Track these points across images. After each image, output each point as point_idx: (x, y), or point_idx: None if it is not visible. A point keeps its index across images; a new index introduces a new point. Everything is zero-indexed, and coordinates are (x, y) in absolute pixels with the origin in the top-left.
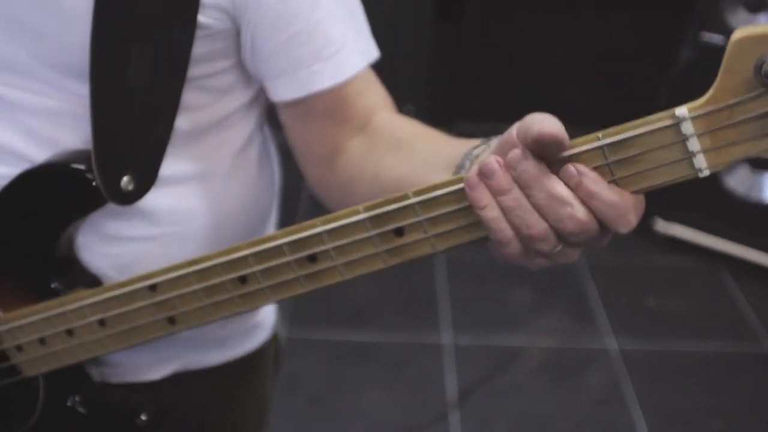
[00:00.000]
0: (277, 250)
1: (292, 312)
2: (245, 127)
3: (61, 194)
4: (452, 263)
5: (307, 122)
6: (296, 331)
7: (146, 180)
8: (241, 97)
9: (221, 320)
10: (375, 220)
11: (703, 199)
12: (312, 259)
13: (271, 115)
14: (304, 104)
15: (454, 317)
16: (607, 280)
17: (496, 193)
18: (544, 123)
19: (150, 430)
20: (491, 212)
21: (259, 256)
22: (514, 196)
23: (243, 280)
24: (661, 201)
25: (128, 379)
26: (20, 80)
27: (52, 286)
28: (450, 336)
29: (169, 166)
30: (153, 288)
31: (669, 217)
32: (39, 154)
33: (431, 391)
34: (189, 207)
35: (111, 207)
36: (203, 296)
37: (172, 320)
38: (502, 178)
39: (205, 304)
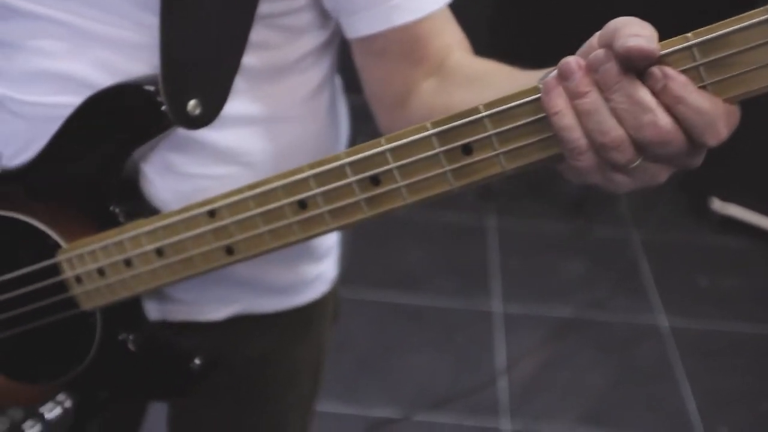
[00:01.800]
0: (339, 171)
1: (343, 273)
2: (317, 73)
3: (127, 117)
4: (504, 233)
5: (382, 61)
6: (347, 292)
7: (213, 106)
8: (314, 38)
9: (279, 250)
10: (442, 137)
11: (761, 181)
12: (375, 180)
13: (344, 76)
14: (380, 41)
15: (504, 286)
16: (660, 257)
17: (572, 96)
18: (632, 38)
19: (203, 374)
20: (565, 119)
21: (320, 178)
22: (592, 99)
23: (302, 204)
24: (719, 181)
25: (188, 318)
26: (94, 11)
27: (115, 213)
28: (500, 304)
29: (239, 106)
30: (212, 214)
31: (726, 197)
32: (105, 82)
33: (479, 357)
34: (254, 149)
35: (178, 139)
36: (261, 222)
37: (229, 250)
38: (582, 79)
39: (262, 231)
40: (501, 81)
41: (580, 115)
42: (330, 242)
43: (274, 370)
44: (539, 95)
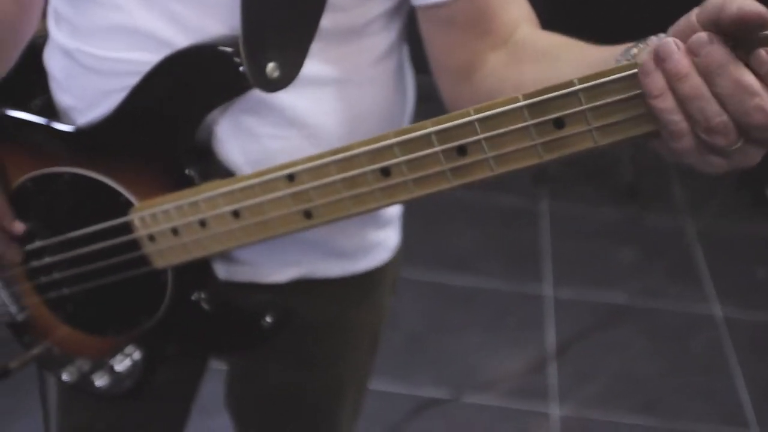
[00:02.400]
0: (425, 140)
1: None
2: (385, 37)
3: (205, 78)
4: (556, 217)
5: (448, 31)
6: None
7: (291, 69)
8: (384, 2)
9: (359, 215)
10: (534, 109)
11: None
12: (461, 150)
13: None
14: (447, 10)
15: (555, 270)
16: (715, 247)
17: (672, 79)
18: (746, 3)
19: (273, 332)
20: (665, 102)
21: (405, 146)
22: (693, 83)
23: (386, 172)
24: None
25: (252, 279)
26: None
27: (188, 174)
28: (550, 288)
29: (311, 67)
30: (291, 178)
31: None
32: (183, 42)
33: (529, 341)
34: (325, 110)
35: (251, 101)
36: (342, 188)
37: (308, 214)
38: (681, 61)
39: (343, 196)
40: (573, 56)
41: (681, 99)
42: (394, 210)
43: (333, 335)
44: (636, 71)
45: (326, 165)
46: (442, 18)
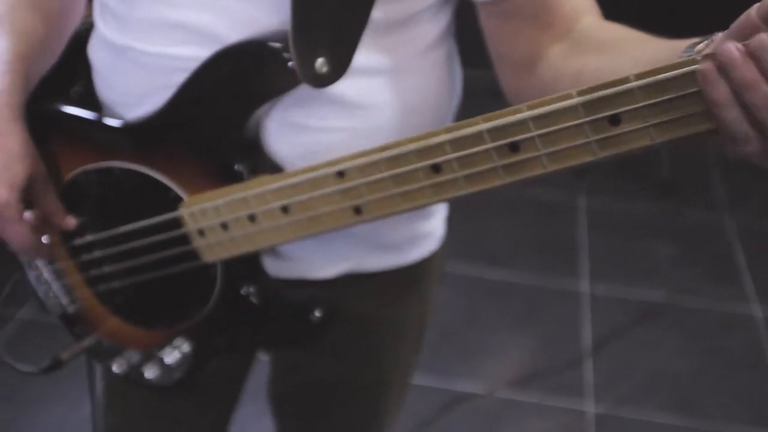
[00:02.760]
0: (477, 137)
1: None
2: (434, 27)
3: (255, 73)
4: (593, 212)
5: (509, 24)
6: None
7: (340, 64)
8: None
9: (408, 212)
10: (589, 106)
11: None
12: (514, 147)
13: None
14: (508, 3)
15: (591, 266)
16: (755, 244)
17: (737, 87)
18: None
19: (322, 327)
20: (730, 112)
21: (457, 143)
22: (762, 93)
23: (436, 168)
24: None
25: (300, 275)
26: None
27: (237, 169)
28: (587, 284)
29: (360, 57)
30: (341, 174)
31: None
32: (233, 37)
33: (565, 337)
34: (376, 101)
35: (301, 94)
36: (392, 185)
37: (357, 210)
38: (745, 69)
39: (393, 193)
40: (636, 49)
41: (746, 107)
42: None
43: (380, 328)
44: (695, 67)
45: (376, 161)
46: (503, 12)
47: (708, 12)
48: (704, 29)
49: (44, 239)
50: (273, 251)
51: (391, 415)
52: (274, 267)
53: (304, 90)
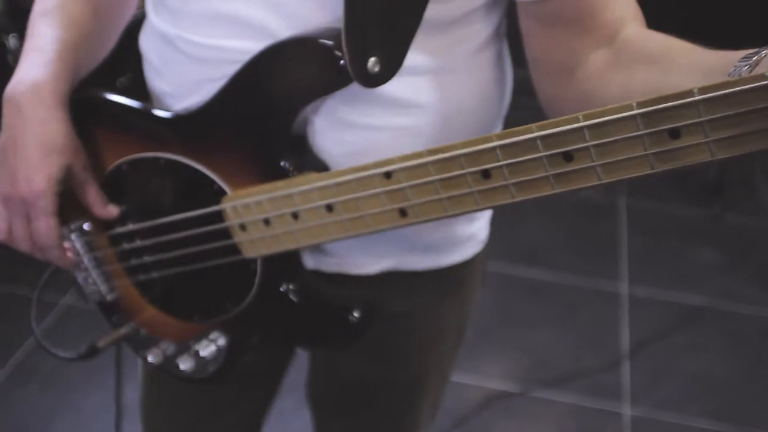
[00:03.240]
0: (530, 145)
1: None
2: (485, 28)
3: (305, 70)
4: (633, 214)
5: (550, 28)
6: None
7: (392, 64)
8: None
9: (453, 217)
10: (648, 118)
11: None
12: (568, 157)
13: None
14: (551, 6)
15: (631, 268)
16: None
17: None
18: None
19: (360, 328)
20: None
21: (508, 150)
22: None
23: (486, 174)
24: None
25: (341, 270)
26: None
27: (283, 165)
28: (626, 286)
29: (411, 57)
30: (388, 175)
31: None
32: (285, 32)
33: (602, 338)
34: (425, 101)
35: (349, 91)
36: (440, 189)
37: (403, 212)
38: None
39: (440, 197)
40: (687, 61)
41: None
42: None
43: (419, 329)
44: (765, 83)
45: (424, 164)
46: (543, 14)
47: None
48: (748, 39)
49: (86, 226)
50: (315, 246)
51: (428, 414)
52: (314, 260)
53: (353, 88)
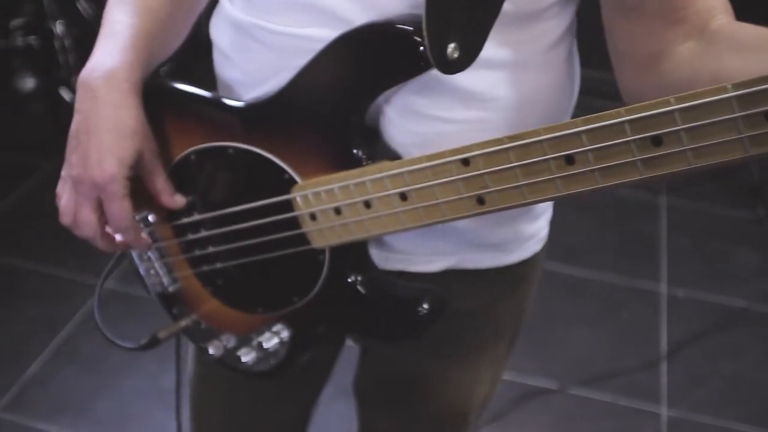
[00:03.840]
0: (617, 129)
1: None
2: (559, 23)
3: (382, 56)
4: (673, 213)
5: (635, 18)
6: None
7: (471, 51)
8: None
9: (533, 204)
10: (744, 100)
11: None
12: (656, 141)
13: None
14: None
15: (670, 267)
16: None
17: None
18: None
19: (428, 321)
20: None
21: (594, 135)
22: None
23: (570, 160)
24: None
25: (404, 268)
26: None
27: (356, 154)
28: (665, 286)
29: (487, 50)
30: (466, 162)
31: None
32: (362, 19)
33: (641, 338)
34: (496, 94)
35: (423, 82)
36: (520, 175)
37: (480, 200)
38: None
39: (520, 184)
40: None
41: None
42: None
43: (478, 327)
44: None
45: (504, 150)
46: (629, 6)
47: None
48: None
49: (151, 218)
50: (377, 242)
51: (478, 414)
52: (379, 257)
53: (428, 79)
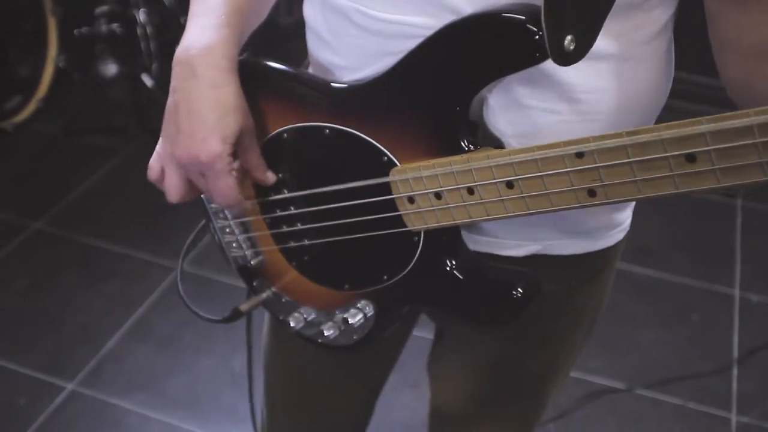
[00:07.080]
0: (745, 131)
1: None
2: (662, 14)
3: (493, 46)
4: (749, 216)
5: (745, 8)
6: None
7: (585, 43)
8: None
9: (645, 199)
10: None
11: None
12: None
13: None
14: None
15: (744, 271)
16: None
17: None
18: None
19: (522, 305)
20: None
21: (719, 135)
22: None
23: (691, 158)
24: None
25: (489, 251)
26: None
27: (459, 140)
28: (737, 290)
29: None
30: (580, 155)
31: None
32: (468, 9)
33: (712, 341)
34: (601, 87)
35: (528, 73)
36: (636, 171)
37: (591, 192)
38: None
39: (636, 179)
40: None
41: None
42: None
43: (558, 313)
44: None
45: (622, 146)
46: None
47: None
48: None
49: None
50: (471, 226)
51: (550, 402)
52: (468, 239)
53: (534, 70)
